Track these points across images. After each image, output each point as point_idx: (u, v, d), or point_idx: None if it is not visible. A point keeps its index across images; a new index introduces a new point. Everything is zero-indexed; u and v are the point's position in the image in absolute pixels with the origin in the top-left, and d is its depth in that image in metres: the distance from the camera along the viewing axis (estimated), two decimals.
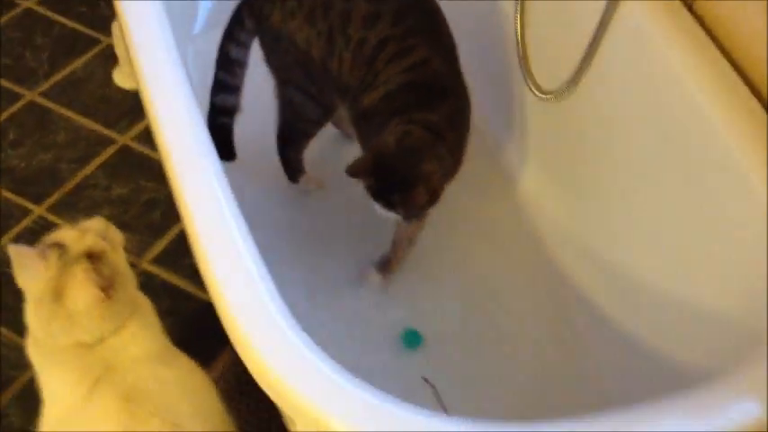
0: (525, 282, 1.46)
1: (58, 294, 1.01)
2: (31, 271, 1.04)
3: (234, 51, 1.38)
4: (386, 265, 1.43)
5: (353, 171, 1.22)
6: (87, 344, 1.05)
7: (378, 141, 1.24)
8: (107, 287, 1.02)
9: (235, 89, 1.39)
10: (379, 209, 1.24)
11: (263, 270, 0.99)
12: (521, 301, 1.44)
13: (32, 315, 1.05)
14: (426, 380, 1.33)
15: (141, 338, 1.09)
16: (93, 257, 1.02)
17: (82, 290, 1.01)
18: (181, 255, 1.56)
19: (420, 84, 1.27)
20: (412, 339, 1.38)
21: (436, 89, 1.28)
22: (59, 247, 1.03)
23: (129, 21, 1.26)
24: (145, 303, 1.12)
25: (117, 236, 1.08)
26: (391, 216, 1.25)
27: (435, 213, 1.35)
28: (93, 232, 1.05)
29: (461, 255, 1.49)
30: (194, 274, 1.52)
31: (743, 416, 0.87)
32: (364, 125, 1.33)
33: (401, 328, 1.39)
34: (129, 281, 1.08)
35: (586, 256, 1.42)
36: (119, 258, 1.06)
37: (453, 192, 1.32)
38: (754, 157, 1.09)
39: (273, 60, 1.38)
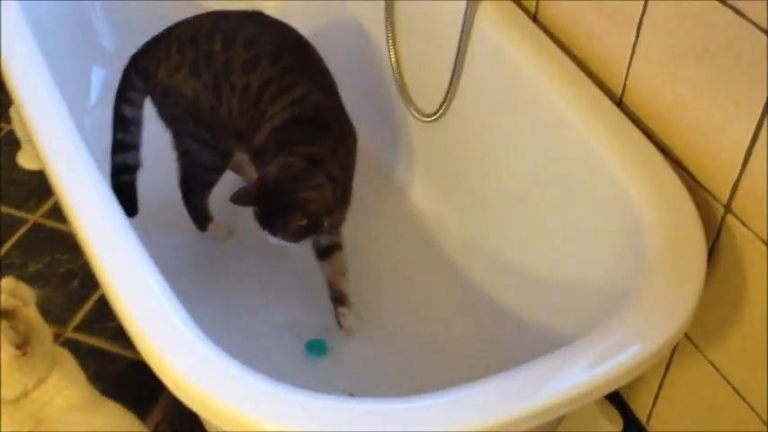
0: (428, 284, 1.57)
1: None
2: None
3: (127, 111, 1.45)
4: (343, 302, 1.49)
5: (237, 198, 1.30)
6: (12, 401, 1.09)
7: (261, 173, 1.33)
8: (22, 344, 1.06)
9: (133, 147, 1.46)
10: (269, 237, 1.32)
11: (177, 303, 1.05)
12: (426, 302, 1.54)
13: None
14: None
15: (65, 389, 1.13)
16: (6, 315, 1.07)
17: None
18: (102, 319, 1.61)
19: (302, 118, 1.37)
20: (316, 348, 1.45)
21: (318, 122, 1.38)
22: None
23: (24, 102, 1.32)
24: (64, 355, 1.17)
25: (27, 292, 1.12)
26: (282, 243, 1.33)
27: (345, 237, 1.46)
28: (3, 291, 1.10)
29: (372, 271, 1.58)
30: (118, 336, 1.58)
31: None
32: (258, 163, 1.42)
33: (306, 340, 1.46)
34: (44, 335, 1.12)
35: (479, 255, 1.52)
36: (32, 314, 1.11)
37: (355, 214, 1.42)
38: (611, 148, 1.21)
39: (165, 114, 1.46)
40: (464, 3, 1.41)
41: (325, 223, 1.36)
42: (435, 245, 1.61)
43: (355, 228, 1.49)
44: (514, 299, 1.44)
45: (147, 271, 1.08)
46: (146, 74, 1.43)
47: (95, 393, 1.18)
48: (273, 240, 1.33)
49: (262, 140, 1.39)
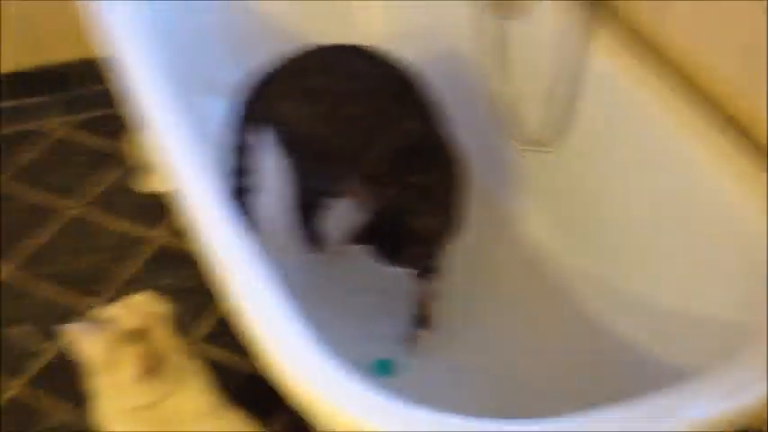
0: (529, 311, 1.62)
1: (110, 368, 1.18)
2: (85, 344, 1.20)
3: (244, 138, 1.55)
4: (425, 324, 1.57)
5: (354, 238, 1.39)
6: (146, 407, 1.20)
7: (375, 208, 1.41)
8: (153, 365, 1.18)
9: (250, 171, 1.56)
10: (393, 267, 1.41)
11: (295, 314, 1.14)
12: (532, 331, 1.58)
13: (94, 382, 1.21)
14: None
15: (194, 398, 1.25)
16: (140, 336, 1.19)
17: (130, 369, 1.17)
18: (228, 332, 1.72)
19: (410, 148, 1.45)
20: (382, 367, 1.51)
21: (426, 152, 1.46)
22: (111, 322, 1.20)
23: (155, 132, 1.42)
24: (196, 366, 1.28)
25: (162, 308, 1.24)
26: (398, 270, 1.42)
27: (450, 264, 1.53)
28: (140, 310, 1.21)
29: (470, 296, 1.64)
30: (237, 349, 1.69)
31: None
32: (369, 191, 1.50)
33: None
34: (176, 350, 1.24)
35: (589, 284, 1.57)
36: (164, 334, 1.22)
37: (462, 240, 1.49)
38: (729, 181, 1.26)
39: (280, 142, 1.55)
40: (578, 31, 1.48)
41: (440, 250, 1.45)
42: (541, 273, 1.66)
43: (461, 253, 1.56)
44: (626, 329, 1.47)
45: (272, 288, 1.16)
46: (261, 106, 1.53)
47: (221, 403, 1.28)
48: (390, 268, 1.41)
49: (370, 169, 1.48)
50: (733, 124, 1.32)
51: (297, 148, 1.56)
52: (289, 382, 1.05)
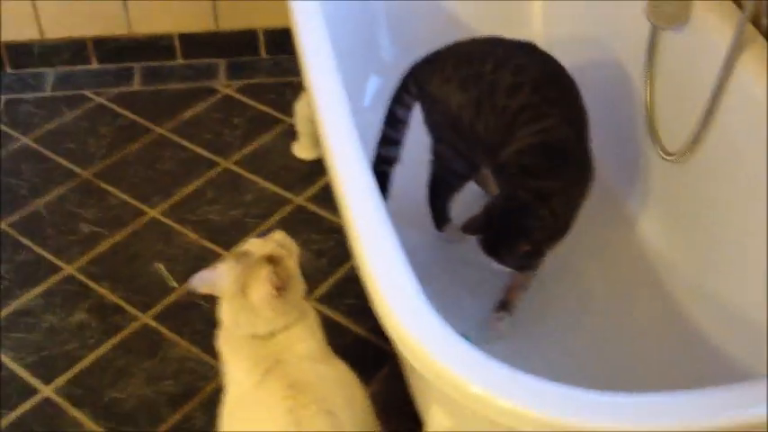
0: (636, 310, 1.61)
1: (242, 290, 1.26)
2: (217, 281, 1.30)
3: (399, 111, 1.64)
4: (507, 309, 1.60)
5: (466, 227, 1.44)
6: (262, 337, 1.28)
7: (488, 203, 1.45)
8: (280, 287, 1.25)
9: (396, 142, 1.64)
10: (493, 264, 1.44)
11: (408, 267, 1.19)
12: (635, 332, 1.57)
13: (224, 309, 1.30)
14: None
15: (305, 339, 1.31)
16: (272, 261, 1.27)
17: (261, 286, 1.25)
18: (341, 295, 1.80)
19: (545, 148, 1.47)
20: None
21: (559, 155, 1.48)
22: (246, 254, 1.29)
23: (318, 98, 1.52)
24: (311, 311, 1.34)
25: (294, 246, 1.32)
26: (505, 269, 1.45)
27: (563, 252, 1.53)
28: (274, 241, 1.30)
29: (584, 293, 1.65)
30: (353, 312, 1.76)
31: None
32: (498, 178, 1.55)
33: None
34: (299, 287, 1.31)
35: (704, 298, 1.54)
36: (293, 265, 1.30)
37: (579, 237, 1.49)
38: None
39: (430, 120, 1.63)
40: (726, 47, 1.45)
41: (547, 252, 1.46)
42: (655, 281, 1.64)
43: (575, 249, 1.57)
44: (739, 351, 1.44)
45: (397, 254, 1.22)
46: (421, 82, 1.61)
47: (328, 349, 1.34)
48: (496, 266, 1.45)
49: (505, 159, 1.51)
50: None
51: (444, 128, 1.62)
52: (400, 332, 1.11)
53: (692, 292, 1.58)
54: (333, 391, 1.28)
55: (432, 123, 1.64)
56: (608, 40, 1.87)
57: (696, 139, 1.54)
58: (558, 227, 1.48)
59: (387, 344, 1.68)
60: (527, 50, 1.57)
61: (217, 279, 1.30)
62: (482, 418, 1.08)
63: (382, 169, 1.62)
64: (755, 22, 1.49)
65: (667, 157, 1.62)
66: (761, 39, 1.48)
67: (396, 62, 1.95)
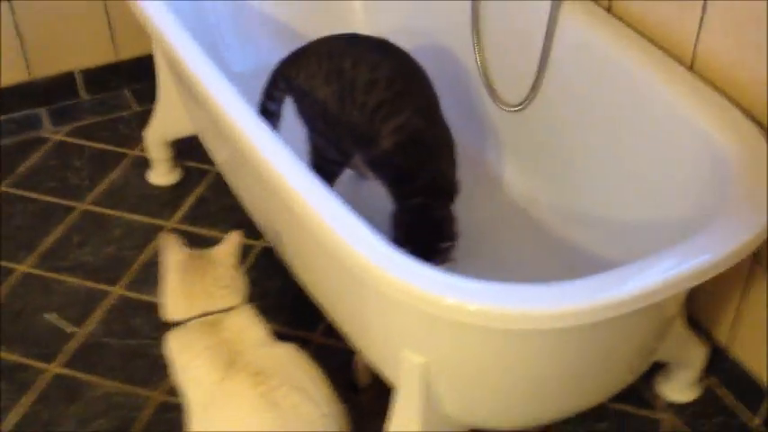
0: (522, 247, 1.81)
1: (198, 270, 1.40)
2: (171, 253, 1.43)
3: (270, 105, 1.75)
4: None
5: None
6: (211, 324, 1.37)
7: (399, 220, 1.59)
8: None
9: None
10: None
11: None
12: (523, 260, 1.77)
13: (171, 300, 1.40)
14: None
15: (253, 326, 1.40)
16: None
17: (228, 244, 1.42)
18: None
19: (412, 143, 1.61)
20: None
21: (421, 145, 1.62)
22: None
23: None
24: (249, 307, 1.43)
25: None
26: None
27: None
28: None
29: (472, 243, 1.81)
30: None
31: None
32: (377, 171, 1.69)
33: None
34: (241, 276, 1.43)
35: (567, 217, 1.78)
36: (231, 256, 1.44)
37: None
38: (688, 100, 1.47)
39: (301, 112, 1.74)
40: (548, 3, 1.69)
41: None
42: (520, 212, 1.87)
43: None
44: (601, 249, 1.67)
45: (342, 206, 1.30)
46: (288, 77, 1.71)
47: (271, 335, 1.42)
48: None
49: (379, 155, 1.64)
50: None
51: (315, 119, 1.73)
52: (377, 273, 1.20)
53: (554, 214, 1.82)
54: (294, 369, 1.36)
55: (303, 115, 1.75)
56: (432, 23, 2.07)
57: (534, 89, 1.77)
58: (454, 193, 1.63)
59: (302, 330, 1.77)
60: (383, 47, 1.72)
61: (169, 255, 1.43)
62: (451, 334, 1.22)
63: None
64: None
65: (509, 109, 1.84)
66: None
67: (244, 71, 2.05)
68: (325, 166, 1.79)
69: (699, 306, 1.68)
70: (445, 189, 1.60)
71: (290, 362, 1.38)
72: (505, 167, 1.96)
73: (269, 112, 1.76)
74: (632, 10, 1.64)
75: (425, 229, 1.57)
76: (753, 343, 1.60)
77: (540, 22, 1.71)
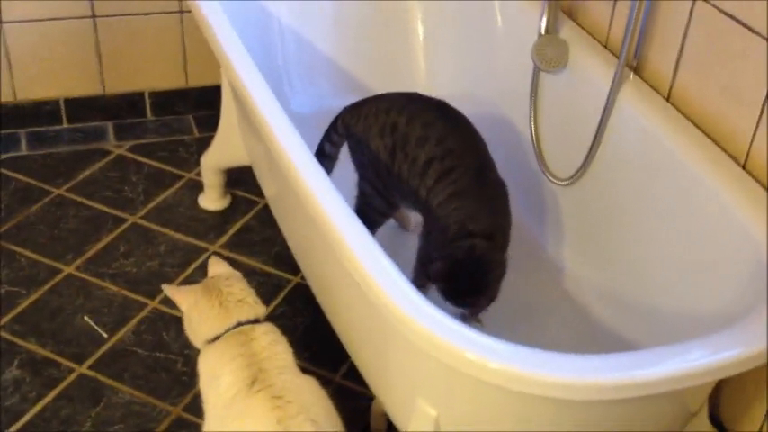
0: (556, 321, 1.81)
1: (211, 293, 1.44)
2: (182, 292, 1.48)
3: (327, 147, 1.82)
4: (475, 316, 1.71)
5: (433, 276, 1.56)
6: (240, 333, 1.40)
7: (449, 253, 1.58)
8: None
9: None
10: (450, 307, 1.57)
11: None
12: (555, 335, 1.77)
13: (195, 319, 1.45)
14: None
15: (282, 353, 1.42)
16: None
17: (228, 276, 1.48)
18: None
19: (465, 195, 1.63)
20: None
21: (480, 197, 1.64)
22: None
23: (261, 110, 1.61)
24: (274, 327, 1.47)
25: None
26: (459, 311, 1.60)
27: None
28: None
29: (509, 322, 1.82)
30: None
31: None
32: (429, 222, 1.70)
33: None
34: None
35: (602, 294, 1.78)
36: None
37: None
38: (733, 195, 1.48)
39: (355, 158, 1.80)
40: (608, 86, 1.73)
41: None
42: (562, 288, 1.87)
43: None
44: (634, 333, 1.67)
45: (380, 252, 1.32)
46: (348, 124, 1.78)
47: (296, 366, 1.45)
48: (455, 310, 1.57)
49: (430, 207, 1.67)
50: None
51: (366, 167, 1.79)
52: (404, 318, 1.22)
53: (597, 296, 1.82)
54: (312, 401, 1.39)
55: (356, 162, 1.81)
56: (488, 89, 2.13)
57: (585, 166, 1.81)
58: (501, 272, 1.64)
59: (324, 369, 1.80)
60: (439, 107, 1.77)
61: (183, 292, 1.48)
62: (468, 391, 1.24)
63: None
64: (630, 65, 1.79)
65: (557, 182, 1.88)
66: (631, 74, 1.77)
67: (302, 112, 2.13)
68: (370, 214, 1.84)
69: (725, 409, 1.67)
70: (503, 244, 1.62)
71: (311, 394, 1.41)
72: (549, 239, 1.98)
73: (325, 154, 1.83)
74: (691, 101, 1.67)
75: (470, 270, 1.56)
76: None
77: (597, 99, 1.75)
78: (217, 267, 1.53)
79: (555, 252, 1.94)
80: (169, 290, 1.49)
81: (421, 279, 1.67)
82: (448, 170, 1.65)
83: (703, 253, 1.54)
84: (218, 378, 1.39)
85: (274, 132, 1.56)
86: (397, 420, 1.46)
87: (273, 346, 1.42)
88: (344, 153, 1.85)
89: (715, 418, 1.66)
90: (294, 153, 1.51)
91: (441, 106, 1.76)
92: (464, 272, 1.55)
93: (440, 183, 1.66)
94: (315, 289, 1.80)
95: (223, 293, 1.46)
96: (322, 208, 1.40)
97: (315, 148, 1.83)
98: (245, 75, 1.69)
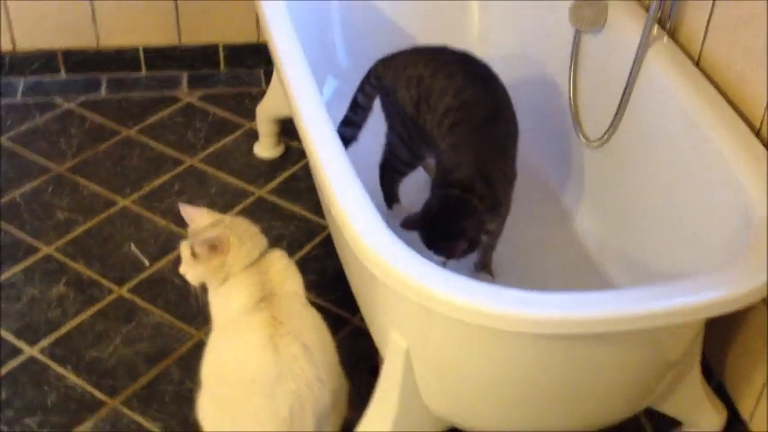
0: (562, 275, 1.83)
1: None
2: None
3: (360, 98, 1.88)
4: (486, 268, 1.80)
5: (405, 224, 1.59)
6: (254, 265, 1.47)
7: (426, 203, 1.63)
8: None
9: (355, 124, 1.88)
10: (433, 255, 1.60)
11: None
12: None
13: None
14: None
15: (292, 276, 1.50)
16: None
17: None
18: (304, 273, 1.98)
19: (460, 143, 1.67)
20: None
21: (473, 150, 1.66)
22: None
23: (292, 81, 1.67)
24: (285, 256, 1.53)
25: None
26: (444, 260, 1.62)
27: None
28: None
29: (521, 264, 1.87)
30: (313, 287, 1.93)
31: None
32: (438, 171, 1.74)
33: None
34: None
35: (614, 255, 1.78)
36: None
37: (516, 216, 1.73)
38: (737, 156, 1.46)
39: (385, 109, 1.86)
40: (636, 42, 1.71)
41: (483, 239, 1.66)
42: (580, 248, 1.89)
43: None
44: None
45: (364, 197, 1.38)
46: (379, 76, 1.84)
47: (307, 300, 1.51)
48: (437, 258, 1.60)
49: (440, 156, 1.72)
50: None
51: (393, 118, 1.84)
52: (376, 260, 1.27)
53: (610, 254, 1.83)
54: (309, 329, 1.45)
55: (385, 112, 1.87)
56: (537, 48, 2.13)
57: (613, 126, 1.79)
58: (489, 210, 1.65)
59: (345, 312, 1.88)
60: (462, 58, 1.80)
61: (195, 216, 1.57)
62: (428, 323, 1.28)
63: None
64: (660, 21, 1.76)
65: (590, 144, 1.87)
66: (665, 36, 1.74)
67: (349, 67, 2.20)
68: (395, 164, 1.89)
69: (728, 370, 1.65)
70: (485, 194, 1.64)
71: (308, 321, 1.47)
72: (574, 199, 1.99)
73: (359, 105, 1.89)
74: (718, 64, 1.64)
75: (441, 218, 1.59)
76: None
77: (629, 62, 1.74)
78: (199, 214, 1.57)
79: (571, 205, 1.96)
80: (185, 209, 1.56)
81: None
82: (458, 122, 1.68)
83: (705, 216, 1.52)
84: (227, 296, 1.48)
85: (296, 99, 1.61)
86: (381, 351, 1.52)
87: (285, 272, 1.51)
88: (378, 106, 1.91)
89: (720, 387, 1.64)
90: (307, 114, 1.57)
91: (464, 59, 1.79)
92: (435, 220, 1.59)
93: (448, 134, 1.69)
94: (331, 230, 1.87)
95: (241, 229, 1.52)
96: (311, 139, 1.47)
97: None
98: (278, 41, 1.76)
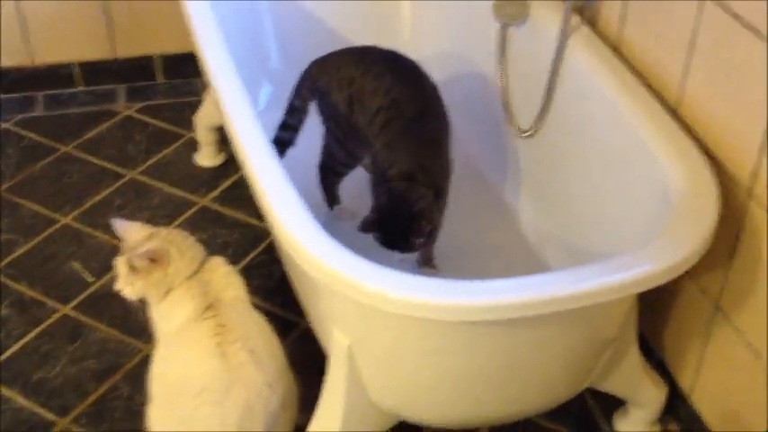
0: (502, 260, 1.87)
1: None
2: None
3: (296, 102, 1.88)
4: (429, 263, 1.82)
5: (364, 228, 1.60)
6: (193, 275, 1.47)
7: (375, 202, 1.65)
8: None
9: (292, 128, 1.88)
10: (394, 255, 1.62)
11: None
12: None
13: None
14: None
15: (233, 283, 1.50)
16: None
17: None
18: (249, 278, 1.98)
19: (392, 144, 1.69)
20: None
21: (406, 145, 1.69)
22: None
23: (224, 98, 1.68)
24: (221, 260, 1.53)
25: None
26: (405, 258, 1.64)
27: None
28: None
29: (463, 256, 1.89)
30: (260, 292, 1.95)
31: None
32: (373, 172, 1.78)
33: None
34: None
35: (558, 246, 1.82)
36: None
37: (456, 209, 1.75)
38: (655, 138, 1.50)
39: (320, 111, 1.87)
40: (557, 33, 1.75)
41: (433, 230, 1.68)
42: (517, 231, 1.94)
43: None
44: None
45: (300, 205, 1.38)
46: (314, 79, 1.86)
47: (250, 304, 1.52)
48: (398, 257, 1.62)
49: (376, 155, 1.74)
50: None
51: (329, 119, 1.86)
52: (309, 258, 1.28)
53: (546, 240, 1.88)
54: (256, 335, 1.46)
55: (321, 114, 1.88)
56: (467, 45, 2.16)
57: (542, 115, 1.83)
58: (438, 198, 1.68)
59: (293, 315, 1.89)
60: (391, 58, 1.82)
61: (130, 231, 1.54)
62: (367, 319, 1.30)
63: (277, 149, 1.80)
64: (580, 11, 1.80)
65: (522, 134, 1.91)
66: (584, 25, 1.78)
67: (284, 69, 2.20)
68: (333, 165, 1.91)
69: (666, 347, 1.69)
70: (427, 183, 1.65)
71: (255, 327, 1.48)
72: (511, 190, 2.03)
73: (295, 108, 1.90)
74: (635, 49, 1.69)
75: (398, 214, 1.60)
76: (709, 394, 1.59)
77: (551, 50, 1.78)
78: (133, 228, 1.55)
79: (512, 199, 1.99)
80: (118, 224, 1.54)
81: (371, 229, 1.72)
82: (390, 120, 1.70)
83: (626, 197, 1.57)
84: (176, 312, 1.47)
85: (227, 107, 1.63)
86: (326, 351, 1.53)
87: (226, 278, 1.51)
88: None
89: (660, 362, 1.69)
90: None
91: (392, 57, 1.81)
92: (389, 212, 1.60)
93: (381, 132, 1.71)
94: (273, 235, 1.88)
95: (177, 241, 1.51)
96: (241, 141, 1.48)
97: None
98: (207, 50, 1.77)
